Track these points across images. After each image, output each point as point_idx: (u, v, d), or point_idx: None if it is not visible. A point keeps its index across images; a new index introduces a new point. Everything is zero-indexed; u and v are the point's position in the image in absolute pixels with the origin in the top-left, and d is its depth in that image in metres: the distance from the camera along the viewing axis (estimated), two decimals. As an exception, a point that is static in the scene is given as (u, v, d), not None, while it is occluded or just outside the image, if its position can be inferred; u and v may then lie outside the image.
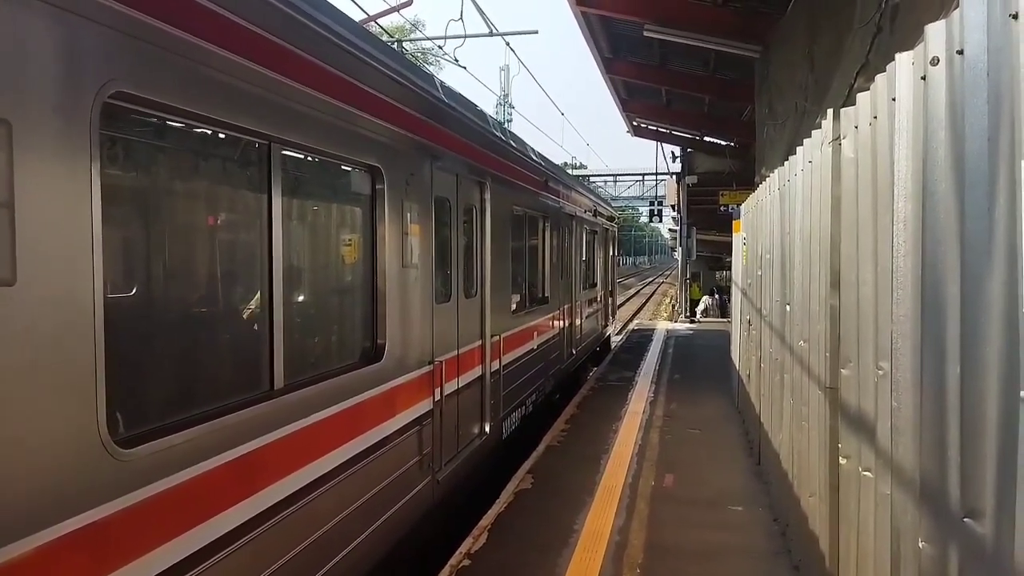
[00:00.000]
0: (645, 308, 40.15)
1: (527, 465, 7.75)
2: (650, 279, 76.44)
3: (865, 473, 3.23)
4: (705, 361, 15.00)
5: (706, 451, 8.33)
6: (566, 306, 11.84)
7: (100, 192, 2.52)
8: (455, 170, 6.38)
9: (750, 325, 8.45)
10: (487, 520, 6.19)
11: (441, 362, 5.94)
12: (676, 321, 25.68)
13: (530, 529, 6.00)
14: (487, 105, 31.01)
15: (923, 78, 2.47)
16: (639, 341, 18.65)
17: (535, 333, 9.60)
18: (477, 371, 7.08)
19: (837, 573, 3.83)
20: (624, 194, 61.52)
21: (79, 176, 2.46)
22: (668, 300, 42.07)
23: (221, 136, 3.51)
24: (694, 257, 28.04)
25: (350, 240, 4.97)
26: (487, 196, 7.27)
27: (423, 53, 33.05)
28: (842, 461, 3.66)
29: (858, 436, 3.37)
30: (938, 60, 2.37)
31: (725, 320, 22.27)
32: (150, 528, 2.80)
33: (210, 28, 3.11)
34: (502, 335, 7.81)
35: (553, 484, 7.12)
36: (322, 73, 4.06)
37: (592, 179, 53.03)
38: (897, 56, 2.71)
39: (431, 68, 31.44)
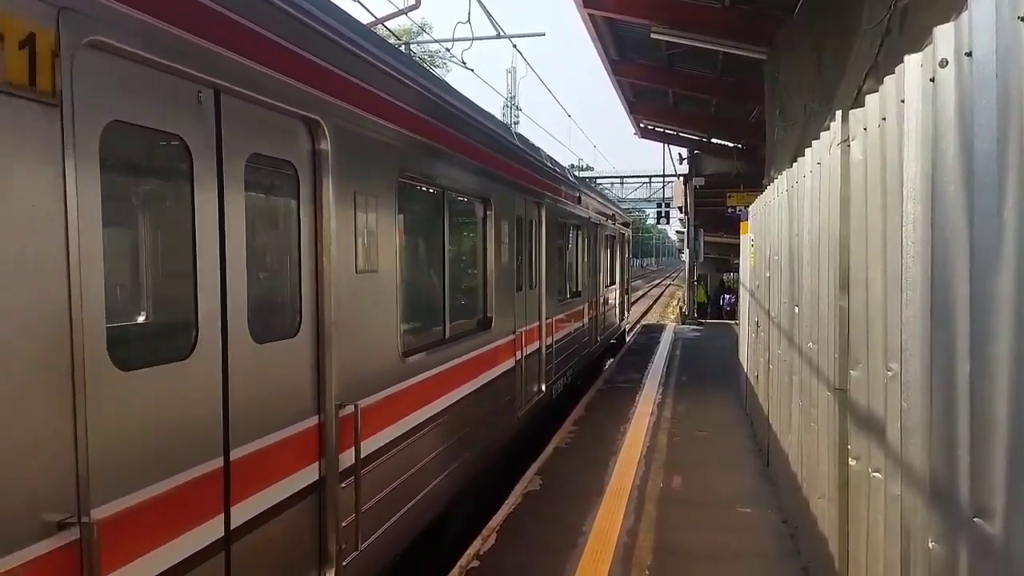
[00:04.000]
0: (652, 310, 40.09)
1: (535, 466, 7.77)
2: (657, 281, 76.30)
3: (875, 474, 3.23)
4: (713, 363, 14.98)
5: (714, 453, 8.33)
6: (593, 299, 14.07)
7: (401, 225, 4.92)
8: (525, 195, 8.63)
9: (758, 327, 8.45)
10: (496, 521, 6.21)
11: (521, 332, 8.23)
12: (684, 323, 25.64)
13: (539, 530, 6.02)
14: (494, 107, 31.09)
15: (932, 80, 2.49)
16: (647, 343, 18.64)
17: (572, 319, 11.91)
18: (536, 344, 9.19)
19: (847, 574, 3.83)
20: (631, 196, 61.46)
21: (394, 218, 4.75)
22: (675, 302, 42.02)
23: (425, 188, 5.85)
24: (701, 259, 28.00)
25: (476, 247, 7.25)
26: (542, 213, 9.47)
27: (430, 56, 33.09)
28: (851, 462, 3.66)
29: (868, 437, 3.38)
30: (947, 62, 2.38)
31: (732, 322, 22.24)
32: (417, 397, 5.22)
33: (441, 138, 5.63)
34: (553, 318, 10.10)
35: (562, 486, 7.13)
36: (472, 148, 6.47)
37: (599, 181, 52.97)
38: (906, 58, 2.72)
39: (439, 71, 31.47)
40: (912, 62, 2.68)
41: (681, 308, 28.65)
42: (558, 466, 7.79)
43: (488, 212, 7.14)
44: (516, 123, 38.67)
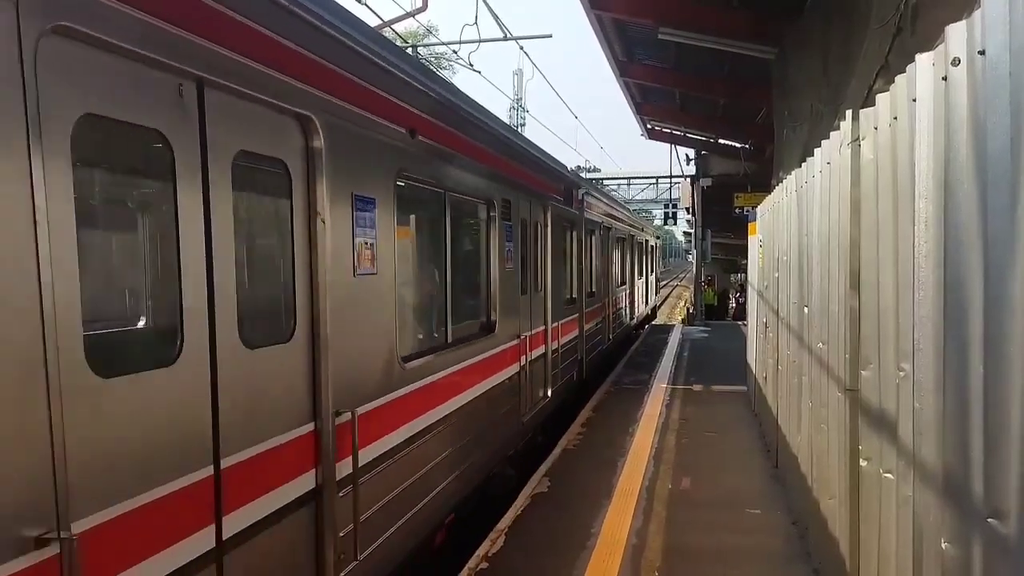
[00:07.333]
0: (659, 312, 39.98)
1: (543, 468, 7.76)
2: (664, 282, 76.14)
3: (886, 475, 3.22)
4: (721, 364, 14.93)
5: (723, 454, 8.30)
6: (643, 281, 22.76)
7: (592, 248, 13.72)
8: (627, 234, 16.96)
9: (767, 327, 8.42)
10: (504, 523, 6.21)
11: (629, 291, 18.83)
12: (691, 324, 25.56)
13: (547, 532, 6.01)
14: (500, 109, 31.08)
15: (944, 79, 2.47)
16: (655, 344, 18.61)
17: (639, 290, 21.02)
18: (628, 296, 17.40)
19: (858, 576, 3.81)
20: (638, 197, 61.26)
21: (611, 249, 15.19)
22: (683, 303, 41.96)
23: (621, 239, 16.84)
24: (708, 260, 27.93)
25: (627, 259, 17.97)
26: (634, 241, 17.34)
27: (437, 58, 33.10)
28: (863, 463, 3.64)
29: (879, 438, 3.36)
30: (959, 60, 2.37)
31: (740, 323, 22.15)
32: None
33: (618, 219, 16.10)
34: (632, 286, 18.72)
35: (570, 487, 7.12)
36: (621, 219, 16.84)
37: (605, 182, 52.84)
38: (917, 57, 2.71)
39: (445, 73, 31.50)
40: (924, 61, 2.66)
41: (689, 309, 28.57)
42: (566, 468, 7.79)
43: (638, 242, 17.22)
44: (523, 125, 38.67)
